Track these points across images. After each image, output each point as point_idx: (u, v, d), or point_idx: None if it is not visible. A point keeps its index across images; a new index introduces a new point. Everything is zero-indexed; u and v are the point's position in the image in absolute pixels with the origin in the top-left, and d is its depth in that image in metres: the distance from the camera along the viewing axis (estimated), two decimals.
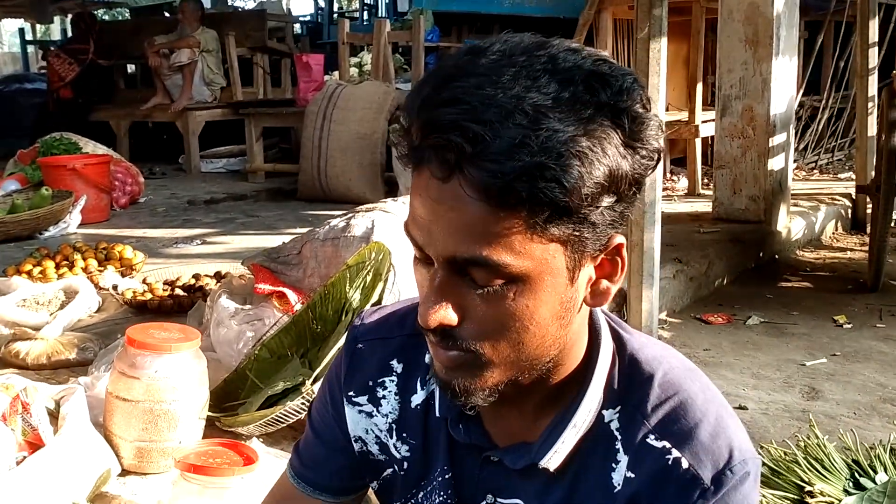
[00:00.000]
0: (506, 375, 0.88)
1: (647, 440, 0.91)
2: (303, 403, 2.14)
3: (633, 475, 0.91)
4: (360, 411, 1.08)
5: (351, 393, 1.08)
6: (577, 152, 0.76)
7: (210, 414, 2.20)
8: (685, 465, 0.89)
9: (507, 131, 0.75)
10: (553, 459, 0.94)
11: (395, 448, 1.07)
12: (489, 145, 0.75)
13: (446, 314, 0.83)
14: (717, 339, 3.72)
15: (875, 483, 1.84)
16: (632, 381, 0.94)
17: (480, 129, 0.75)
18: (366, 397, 1.07)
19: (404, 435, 1.06)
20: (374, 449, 1.09)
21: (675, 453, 0.89)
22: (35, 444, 1.76)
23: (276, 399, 2.27)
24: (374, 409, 1.07)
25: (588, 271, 0.86)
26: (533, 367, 0.89)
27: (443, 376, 0.89)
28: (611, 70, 0.80)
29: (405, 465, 1.06)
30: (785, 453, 1.98)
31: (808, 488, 1.80)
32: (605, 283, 0.88)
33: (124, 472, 2.07)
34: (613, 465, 0.92)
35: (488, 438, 0.99)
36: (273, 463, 2.00)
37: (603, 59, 0.82)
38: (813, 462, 1.90)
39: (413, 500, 1.07)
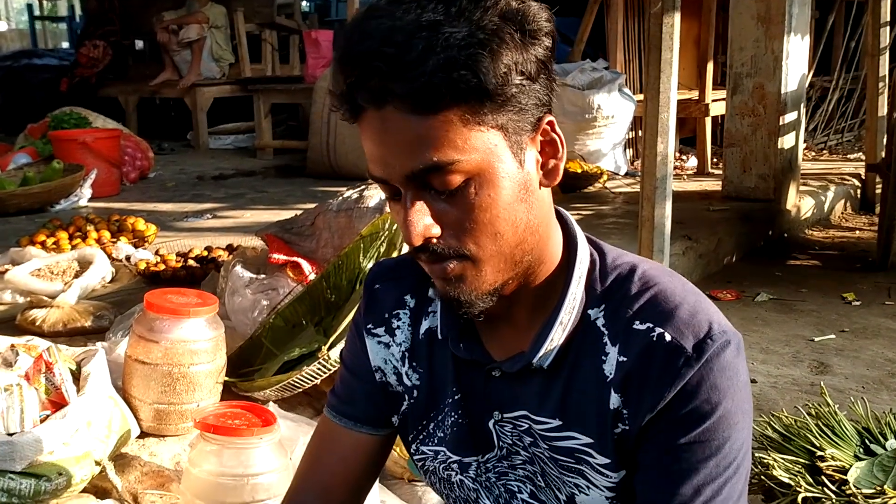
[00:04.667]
0: (498, 272, 0.96)
1: (633, 326, 0.97)
2: (318, 369, 2.17)
3: (625, 359, 0.97)
4: (379, 342, 1.16)
5: (370, 325, 1.17)
6: (478, 42, 0.85)
7: (227, 379, 2.23)
8: (668, 337, 0.95)
9: (414, 45, 0.85)
10: (544, 356, 1.01)
11: (408, 376, 1.14)
12: (402, 59, 0.85)
13: (427, 225, 0.92)
14: (726, 314, 3.66)
15: (885, 449, 1.86)
16: (613, 281, 1.01)
17: (392, 49, 0.85)
18: (383, 328, 1.15)
19: (414, 364, 1.13)
20: (392, 380, 1.15)
21: (659, 330, 0.95)
22: (58, 403, 1.79)
23: (292, 365, 2.29)
24: (391, 339, 1.15)
25: (532, 154, 0.95)
26: (516, 257, 0.96)
27: (445, 291, 0.97)
28: None
29: (415, 393, 1.13)
30: (796, 420, 2.00)
31: (819, 454, 1.82)
32: (552, 161, 0.97)
33: (143, 434, 2.10)
34: (603, 357, 0.99)
35: (488, 355, 1.06)
36: (290, 427, 2.03)
37: None
38: (824, 429, 1.91)
39: (425, 431, 1.13)
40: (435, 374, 1.11)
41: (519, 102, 0.90)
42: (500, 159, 0.91)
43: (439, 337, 1.09)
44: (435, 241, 0.93)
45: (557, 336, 1.00)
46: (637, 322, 0.97)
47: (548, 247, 1.00)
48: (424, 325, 1.12)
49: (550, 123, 0.95)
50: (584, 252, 1.02)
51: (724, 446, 0.95)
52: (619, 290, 1.00)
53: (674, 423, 0.95)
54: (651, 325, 0.96)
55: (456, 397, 1.09)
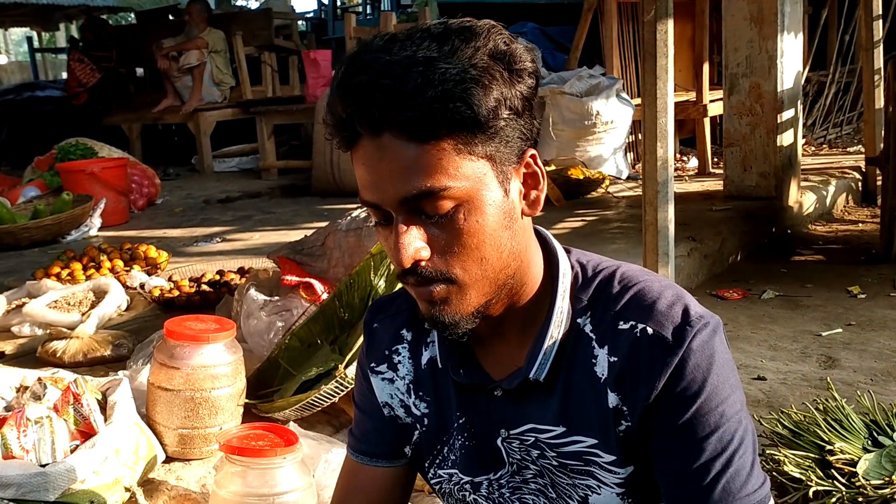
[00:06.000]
0: (482, 295, 1.01)
1: (618, 326, 1.03)
2: (336, 387, 2.22)
3: (615, 358, 1.03)
4: (383, 379, 1.22)
5: (373, 364, 1.23)
6: (471, 78, 0.92)
7: (247, 401, 2.28)
8: (650, 331, 1.01)
9: (411, 78, 0.91)
10: (539, 369, 1.06)
11: (416, 406, 1.20)
12: (400, 91, 0.91)
13: (418, 248, 0.97)
14: (733, 313, 3.78)
15: (893, 441, 1.90)
16: (596, 288, 1.08)
17: (390, 81, 0.91)
18: (385, 365, 1.22)
19: (420, 393, 1.19)
20: (401, 413, 1.22)
21: (641, 325, 1.02)
22: (86, 433, 1.84)
23: (310, 384, 2.34)
24: (394, 375, 1.21)
25: (516, 185, 1.01)
26: (499, 281, 1.02)
27: (429, 314, 1.02)
28: (473, 24, 0.97)
29: (425, 421, 1.19)
30: (804, 416, 2.04)
31: (828, 447, 1.86)
32: (533, 192, 1.04)
33: (168, 459, 2.15)
34: (593, 360, 1.04)
35: (488, 376, 1.11)
36: (311, 445, 2.08)
37: (466, 19, 0.98)
38: (832, 423, 1.96)
39: (440, 456, 1.19)
40: (441, 401, 1.17)
41: (506, 135, 0.97)
42: (487, 187, 0.97)
43: (439, 366, 1.15)
44: (423, 264, 0.98)
45: (549, 348, 1.05)
46: (621, 322, 1.03)
47: (530, 269, 1.06)
48: (426, 356, 1.18)
49: (533, 157, 1.02)
50: (565, 266, 1.09)
51: (722, 420, 1.00)
52: (602, 296, 1.07)
53: (669, 409, 1.00)
54: (634, 323, 1.02)
55: (461, 421, 1.15)
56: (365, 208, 2.95)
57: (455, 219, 0.96)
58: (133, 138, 8.38)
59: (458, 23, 0.97)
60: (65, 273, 3.82)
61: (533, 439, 1.09)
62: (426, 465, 1.22)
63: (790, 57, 5.14)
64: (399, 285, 2.44)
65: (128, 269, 3.90)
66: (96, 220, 5.24)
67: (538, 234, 1.11)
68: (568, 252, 1.12)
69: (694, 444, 1.00)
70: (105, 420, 1.88)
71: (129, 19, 15.99)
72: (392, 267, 2.58)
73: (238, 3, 13.35)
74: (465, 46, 0.93)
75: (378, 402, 1.24)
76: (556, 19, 8.32)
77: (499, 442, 1.12)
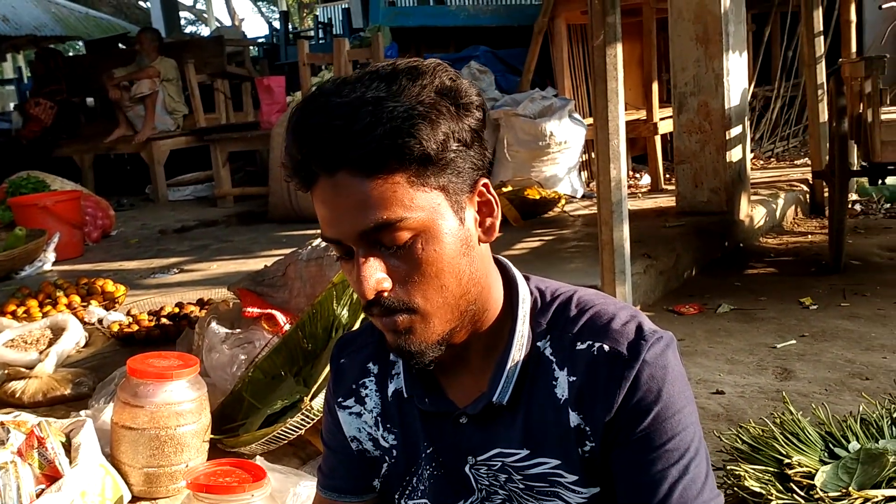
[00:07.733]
0: (445, 322, 1.05)
1: (576, 347, 1.07)
2: (302, 419, 2.22)
3: (574, 378, 1.07)
4: (350, 413, 1.24)
5: (340, 399, 1.24)
6: (418, 114, 0.96)
7: (213, 436, 2.27)
8: (606, 348, 1.05)
9: (361, 117, 0.95)
10: (501, 393, 1.09)
11: (384, 439, 1.21)
12: (350, 130, 0.95)
13: (379, 279, 1.00)
14: (690, 328, 3.84)
15: (848, 451, 1.96)
16: (554, 312, 1.12)
17: (341, 122, 0.95)
18: (352, 399, 1.23)
19: (388, 425, 1.21)
20: (369, 446, 1.23)
21: (598, 344, 1.06)
22: (52, 477, 1.83)
23: (276, 417, 2.34)
24: (362, 408, 1.22)
25: (471, 213, 1.05)
26: (461, 307, 1.05)
27: (396, 345, 1.05)
28: (419, 64, 1.02)
29: (394, 452, 1.21)
30: (763, 431, 2.09)
31: (786, 461, 1.91)
32: (488, 220, 1.08)
33: (135, 499, 2.13)
34: (554, 382, 1.08)
35: (453, 404, 1.14)
36: (279, 479, 2.08)
37: (412, 60, 1.03)
38: (789, 437, 2.01)
39: (410, 487, 1.21)
40: (408, 432, 1.19)
41: (457, 166, 1.01)
42: (442, 217, 1.00)
43: (405, 396, 1.18)
44: (386, 294, 1.01)
45: (511, 371, 1.09)
46: (579, 343, 1.07)
47: (490, 295, 1.10)
48: (391, 388, 1.20)
49: (486, 185, 1.06)
50: (524, 292, 1.13)
51: (678, 428, 1.04)
52: (560, 319, 1.11)
53: (627, 421, 1.04)
54: (591, 342, 1.06)
55: (429, 451, 1.17)
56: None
57: (413, 249, 0.99)
58: (85, 169, 8.29)
59: (405, 63, 1.01)
60: (20, 310, 3.77)
61: (500, 464, 1.12)
62: (396, 496, 1.23)
63: (736, 75, 5.27)
64: (362, 316, 2.47)
65: (85, 304, 3.86)
66: (50, 255, 5.18)
67: (498, 262, 1.14)
68: (527, 279, 1.15)
69: (651, 452, 1.04)
70: (70, 462, 1.87)
71: (77, 48, 15.83)
72: (355, 295, 2.60)
73: (189, 31, 13.27)
74: (413, 85, 0.98)
75: (346, 437, 1.25)
76: (508, 42, 8.42)
77: (467, 469, 1.15)
